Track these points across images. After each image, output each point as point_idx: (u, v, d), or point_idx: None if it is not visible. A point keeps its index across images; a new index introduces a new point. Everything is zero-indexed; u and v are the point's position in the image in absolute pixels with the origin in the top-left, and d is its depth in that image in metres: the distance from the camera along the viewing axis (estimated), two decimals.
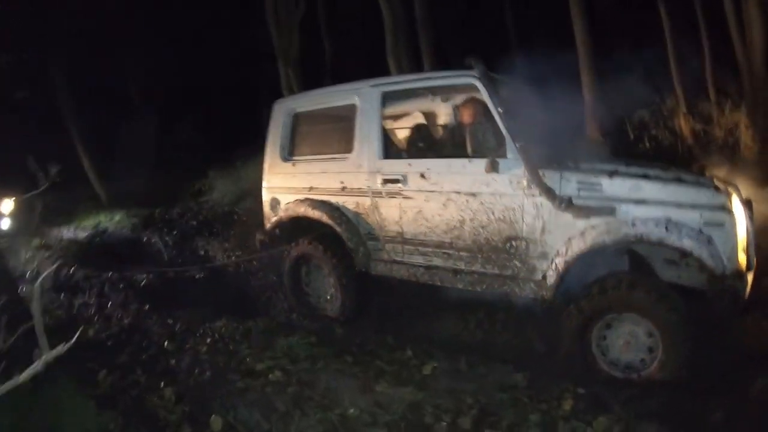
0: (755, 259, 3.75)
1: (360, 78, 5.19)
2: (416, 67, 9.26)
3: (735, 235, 3.56)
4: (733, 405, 3.30)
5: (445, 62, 9.76)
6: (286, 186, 5.60)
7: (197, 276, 7.16)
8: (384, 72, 8.64)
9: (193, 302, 5.76)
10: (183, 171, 12.27)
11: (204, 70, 15.44)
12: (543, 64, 4.55)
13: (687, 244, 3.56)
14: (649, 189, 3.75)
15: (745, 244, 3.66)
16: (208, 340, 4.44)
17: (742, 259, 3.62)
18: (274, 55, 11.45)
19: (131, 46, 14.60)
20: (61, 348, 2.32)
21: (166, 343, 4.46)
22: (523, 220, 4.10)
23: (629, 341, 3.80)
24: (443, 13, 10.86)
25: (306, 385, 3.59)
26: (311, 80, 10.84)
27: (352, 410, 3.25)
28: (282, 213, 5.58)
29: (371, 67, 8.50)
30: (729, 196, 3.68)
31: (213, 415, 3.24)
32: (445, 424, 3.09)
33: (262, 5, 11.05)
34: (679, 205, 3.65)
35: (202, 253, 8.79)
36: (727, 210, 3.58)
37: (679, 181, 3.82)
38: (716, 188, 3.71)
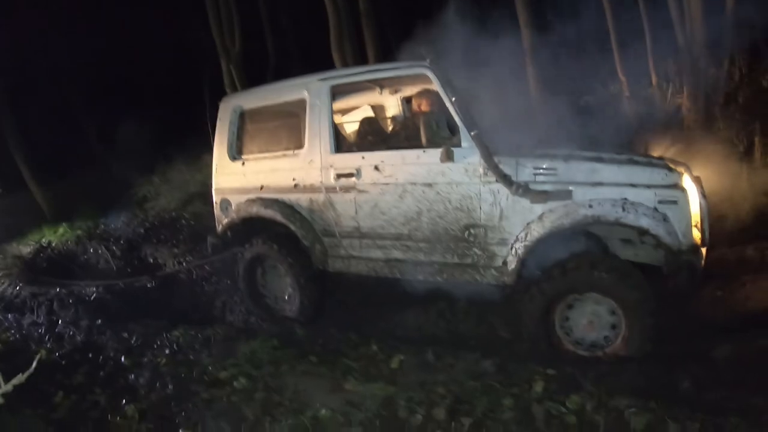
0: (708, 234, 3.86)
1: (304, 73, 5.09)
2: (360, 60, 9.20)
3: (689, 212, 3.70)
4: (699, 373, 3.39)
5: (388, 54, 9.76)
6: (236, 186, 5.45)
7: (149, 285, 6.93)
8: (328, 66, 8.55)
9: (147, 313, 5.57)
10: (127, 177, 11.86)
11: (142, 69, 14.96)
12: (489, 50, 4.54)
13: (644, 222, 3.66)
14: (604, 171, 3.82)
15: (698, 219, 3.79)
16: (167, 352, 4.30)
17: (697, 234, 3.76)
18: (216, 52, 11.20)
19: (65, 43, 14.01)
20: (21, 377, 2.17)
21: (122, 358, 4.28)
22: (480, 208, 4.10)
23: (592, 320, 3.88)
24: (385, 4, 10.82)
25: (273, 390, 3.51)
26: (254, 77, 10.66)
27: (324, 411, 3.18)
28: (233, 214, 5.44)
29: (314, 62, 8.42)
30: (681, 174, 3.79)
31: (180, 431, 3.13)
32: (420, 416, 3.06)
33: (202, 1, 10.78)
34: (633, 186, 3.75)
35: (151, 261, 8.51)
36: (680, 188, 3.71)
37: (632, 162, 3.92)
38: (668, 167, 3.82)
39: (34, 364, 2.36)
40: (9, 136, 12.43)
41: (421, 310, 4.93)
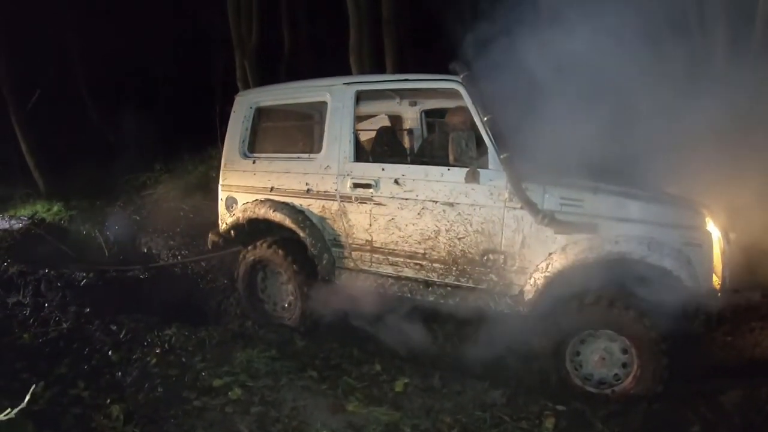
0: (728, 280, 3.79)
1: (318, 74, 4.96)
2: (378, 65, 9.08)
3: (711, 256, 3.63)
4: (708, 416, 3.37)
5: (405, 64, 9.66)
6: (244, 185, 5.26)
7: (141, 276, 6.73)
8: (342, 69, 8.43)
9: (139, 306, 5.39)
10: (128, 163, 11.67)
11: (153, 57, 14.78)
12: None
13: (668, 263, 3.58)
14: (632, 207, 3.72)
15: (720, 264, 3.71)
16: (158, 351, 4.11)
17: (716, 279, 3.70)
18: (229, 44, 11.04)
19: (74, 29, 13.84)
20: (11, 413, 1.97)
21: (110, 352, 4.10)
22: (502, 233, 3.99)
23: (604, 357, 3.81)
24: (409, 13, 10.73)
25: (271, 405, 3.35)
26: (267, 73, 10.51)
27: None
28: (239, 213, 5.24)
29: (329, 64, 8.29)
30: (706, 216, 3.71)
31: None
32: None
33: None
34: (660, 225, 3.65)
35: (145, 250, 8.32)
36: (705, 230, 3.63)
37: (659, 199, 3.84)
38: (695, 208, 3.75)
39: (27, 398, 2.17)
40: (13, 113, 12.21)
41: (428, 331, 4.77)
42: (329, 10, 11.39)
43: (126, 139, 12.76)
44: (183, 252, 7.78)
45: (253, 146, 5.32)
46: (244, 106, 5.33)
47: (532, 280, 3.91)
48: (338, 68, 7.71)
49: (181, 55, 15.36)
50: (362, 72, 8.37)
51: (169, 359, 3.99)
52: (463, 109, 4.13)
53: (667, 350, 3.59)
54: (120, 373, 3.77)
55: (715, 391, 3.70)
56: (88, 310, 5.12)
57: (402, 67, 9.12)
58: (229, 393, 3.47)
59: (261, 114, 5.35)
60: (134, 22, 13.74)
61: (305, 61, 12.41)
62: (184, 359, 3.99)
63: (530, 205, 3.82)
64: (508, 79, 3.98)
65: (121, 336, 4.44)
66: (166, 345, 4.23)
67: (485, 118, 3.94)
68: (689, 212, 3.73)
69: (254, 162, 5.22)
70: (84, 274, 6.55)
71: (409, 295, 4.43)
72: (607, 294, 3.79)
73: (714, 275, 3.68)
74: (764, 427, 3.27)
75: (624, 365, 3.76)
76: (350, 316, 4.69)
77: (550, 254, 3.85)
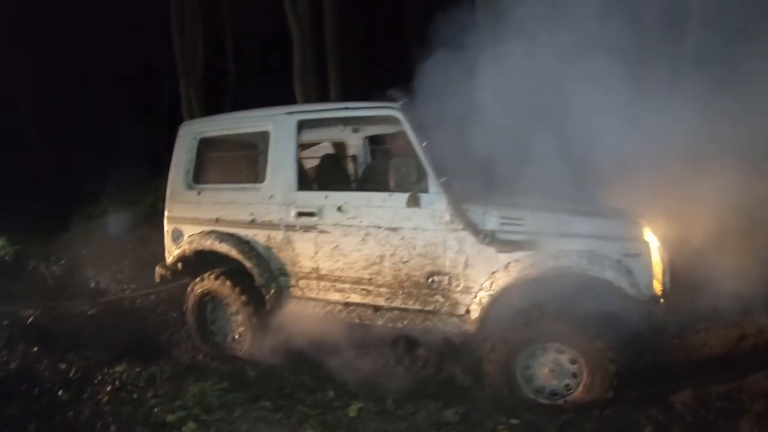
0: (668, 286, 3.95)
1: (264, 102, 4.98)
2: (322, 91, 9.13)
3: (651, 264, 3.75)
4: (659, 418, 3.42)
5: (349, 89, 9.73)
6: (190, 216, 5.21)
7: (90, 312, 6.56)
8: (288, 97, 8.46)
9: (88, 343, 5.24)
10: (74, 195, 11.39)
11: (98, 86, 14.52)
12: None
13: (609, 275, 3.70)
14: (571, 222, 3.84)
15: (660, 271, 3.86)
16: (109, 388, 4.07)
17: (658, 286, 3.83)
18: (174, 73, 10.97)
19: (16, 59, 13.51)
20: None
21: (60, 392, 4.04)
22: (445, 255, 4.05)
23: (554, 369, 3.88)
24: (351, 39, 10.84)
25: None
26: (213, 102, 10.46)
27: None
28: (186, 245, 5.18)
29: (274, 92, 8.30)
30: (643, 226, 3.85)
31: None
32: None
33: (166, 17, 10.55)
34: (599, 238, 3.77)
35: (93, 285, 8.11)
36: (643, 240, 3.77)
37: (597, 213, 3.96)
38: (633, 220, 3.88)
39: None
40: None
41: (379, 356, 4.78)
42: (275, 37, 11.44)
43: (72, 171, 12.47)
44: (131, 286, 7.60)
45: (197, 177, 5.28)
46: (187, 136, 5.30)
47: (477, 299, 3.98)
48: (287, 94, 7.75)
49: (127, 84, 15.14)
50: (307, 98, 8.43)
51: (120, 396, 3.96)
52: (403, 135, 4.20)
53: (614, 358, 3.66)
54: (72, 413, 3.72)
55: (665, 393, 3.77)
56: (36, 348, 4.99)
57: (347, 92, 9.19)
58: (183, 428, 3.45)
59: (205, 144, 5.31)
60: (79, 51, 13.50)
61: (252, 88, 12.39)
62: (135, 395, 3.96)
63: (471, 226, 3.90)
64: (451, 101, 4.09)
65: (71, 374, 4.37)
66: (117, 382, 4.18)
67: (423, 144, 4.01)
68: (626, 224, 3.86)
69: (199, 193, 5.18)
70: (31, 311, 6.33)
71: (358, 320, 4.44)
72: (551, 308, 3.86)
73: (655, 282, 3.80)
74: (716, 424, 3.35)
75: (574, 375, 3.83)
76: (301, 345, 4.66)
77: (493, 273, 3.92)
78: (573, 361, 3.82)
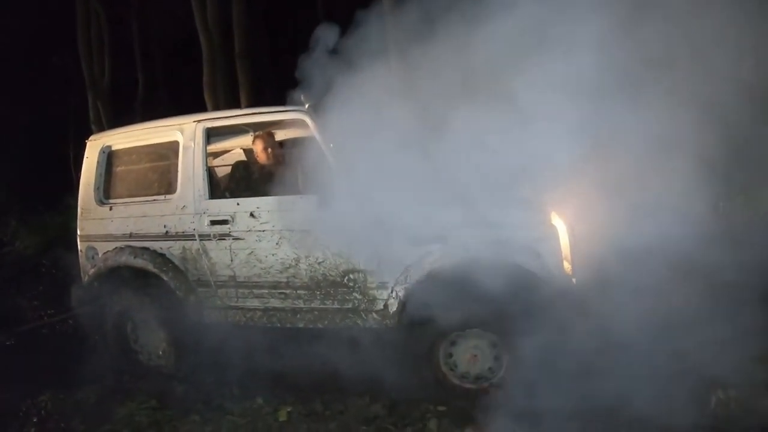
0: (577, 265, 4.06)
1: (175, 112, 4.93)
2: (233, 101, 9.04)
3: (559, 247, 3.90)
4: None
5: (262, 96, 9.66)
6: (103, 233, 5.07)
7: (7, 343, 6.31)
8: (199, 105, 8.34)
9: (7, 375, 5.05)
10: None
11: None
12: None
13: (519, 259, 3.83)
14: (479, 214, 3.91)
15: (568, 253, 3.99)
16: (35, 420, 4.03)
17: (567, 266, 3.97)
18: (82, 85, 10.60)
19: None
20: None
21: None
22: (359, 253, 4.11)
23: (476, 354, 4.02)
24: (261, 46, 10.79)
25: None
26: (122, 114, 10.17)
27: None
28: (100, 263, 5.06)
29: (185, 100, 8.18)
30: (549, 213, 3.98)
31: None
32: None
33: (72, 29, 10.18)
34: (507, 226, 3.88)
35: (7, 314, 7.75)
36: (550, 225, 3.91)
37: (505, 204, 4.00)
38: (538, 207, 4.01)
39: None
40: None
41: (304, 358, 4.81)
42: (184, 46, 11.23)
43: None
44: (49, 311, 7.33)
45: (108, 192, 5.16)
46: (96, 150, 5.17)
47: (394, 293, 4.09)
48: (198, 103, 7.64)
49: (31, 98, 14.43)
50: (217, 107, 8.33)
51: (47, 426, 3.93)
52: (307, 138, 4.24)
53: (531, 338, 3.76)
54: None
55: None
56: None
57: (259, 100, 9.10)
58: None
59: (114, 157, 5.20)
60: None
61: (162, 99, 12.13)
62: (63, 424, 3.94)
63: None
64: (358, 106, 4.14)
65: None
66: (43, 412, 4.15)
67: (330, 145, 4.07)
68: (532, 211, 3.98)
69: (111, 208, 5.06)
70: None
71: (278, 324, 4.47)
72: (466, 296, 3.91)
73: (565, 263, 3.95)
74: None
75: (496, 358, 3.99)
76: (225, 354, 4.63)
77: (407, 267, 4.03)
78: (494, 345, 3.97)
